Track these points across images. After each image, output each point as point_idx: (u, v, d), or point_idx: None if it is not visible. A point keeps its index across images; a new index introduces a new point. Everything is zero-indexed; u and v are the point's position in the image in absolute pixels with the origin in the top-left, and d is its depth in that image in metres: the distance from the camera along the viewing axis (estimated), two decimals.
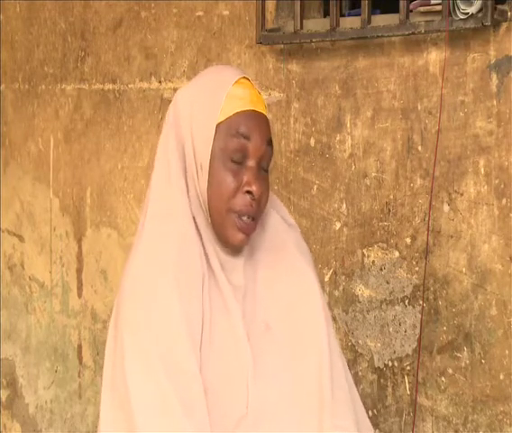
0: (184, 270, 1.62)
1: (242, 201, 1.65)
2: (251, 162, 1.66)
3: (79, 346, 3.26)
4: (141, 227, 1.69)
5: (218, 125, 1.65)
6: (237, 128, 1.65)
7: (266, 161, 1.69)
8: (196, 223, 1.67)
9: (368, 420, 1.82)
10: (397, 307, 2.50)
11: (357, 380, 2.44)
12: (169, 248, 1.63)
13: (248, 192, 1.65)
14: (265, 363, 1.66)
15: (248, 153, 1.66)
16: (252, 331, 1.67)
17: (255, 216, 1.68)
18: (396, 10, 2.43)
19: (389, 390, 2.52)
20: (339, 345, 1.83)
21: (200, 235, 1.67)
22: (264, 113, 1.71)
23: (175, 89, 2.93)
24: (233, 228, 1.66)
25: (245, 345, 1.65)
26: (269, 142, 1.69)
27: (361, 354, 2.57)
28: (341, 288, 2.60)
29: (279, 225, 1.78)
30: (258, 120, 1.68)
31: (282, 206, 1.83)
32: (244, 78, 1.70)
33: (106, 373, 1.64)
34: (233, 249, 1.69)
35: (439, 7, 2.34)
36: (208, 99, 1.68)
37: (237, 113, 1.66)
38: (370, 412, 2.52)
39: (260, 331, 1.68)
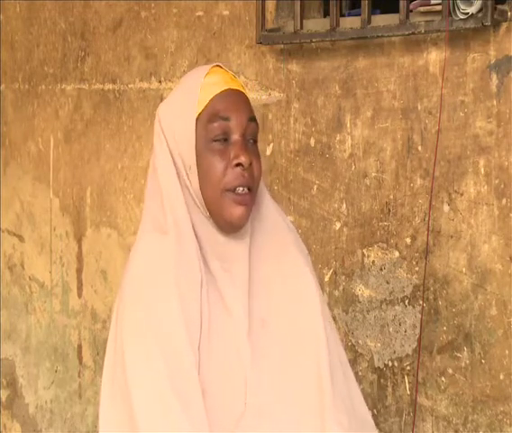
0: (183, 270, 1.62)
1: (233, 176, 1.65)
2: (235, 137, 1.66)
3: (79, 346, 3.26)
4: (141, 232, 1.70)
5: (198, 118, 1.66)
6: (215, 112, 1.66)
7: (251, 135, 1.69)
8: (192, 222, 1.67)
9: (369, 416, 1.82)
10: (397, 307, 2.50)
11: (357, 380, 2.44)
12: (168, 249, 1.63)
13: (237, 165, 1.65)
14: (263, 360, 1.66)
15: (231, 131, 1.66)
16: (252, 328, 1.67)
17: (250, 187, 1.67)
18: (396, 10, 2.43)
19: (389, 390, 2.52)
20: (339, 340, 1.83)
21: (197, 235, 1.67)
22: (241, 90, 1.71)
23: None
24: (231, 205, 1.65)
25: (244, 343, 1.65)
26: (252, 119, 1.69)
27: (361, 354, 2.57)
28: (341, 288, 2.60)
29: (279, 225, 1.78)
30: (235, 97, 1.69)
31: (281, 210, 1.84)
32: (217, 66, 1.72)
33: (107, 373, 1.65)
34: (235, 230, 1.68)
35: (439, 7, 2.34)
36: (185, 99, 1.69)
37: (213, 97, 1.67)
38: (369, 412, 2.52)
39: (257, 328, 1.68)
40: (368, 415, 1.82)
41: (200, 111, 1.66)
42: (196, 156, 1.65)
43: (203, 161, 1.66)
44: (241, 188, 1.65)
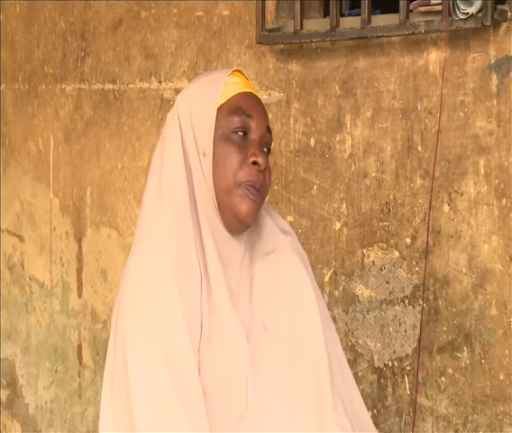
0: (183, 270, 1.62)
1: (248, 171, 1.66)
2: (254, 136, 1.68)
3: (79, 346, 3.26)
4: (138, 235, 1.69)
5: (219, 109, 1.67)
6: (238, 106, 1.68)
7: (266, 144, 1.71)
8: (198, 215, 1.67)
9: (368, 417, 1.82)
10: (397, 307, 2.50)
11: (357, 380, 2.45)
12: (168, 247, 1.63)
13: (254, 163, 1.66)
14: (263, 363, 1.67)
15: (250, 129, 1.68)
16: (251, 332, 1.67)
17: (261, 190, 1.68)
18: (396, 10, 2.43)
19: (389, 390, 2.52)
20: (338, 340, 1.83)
21: (200, 231, 1.66)
22: (261, 99, 1.74)
23: (175, 89, 2.93)
24: (241, 198, 1.66)
25: (244, 345, 1.65)
26: (269, 130, 1.72)
27: (361, 354, 2.57)
28: (341, 288, 2.60)
29: (274, 231, 1.78)
30: (257, 102, 1.72)
31: (277, 214, 1.84)
32: (238, 70, 1.74)
33: (107, 374, 1.64)
34: (241, 227, 1.68)
35: (439, 7, 2.34)
36: (207, 89, 1.70)
37: (236, 94, 1.69)
38: (370, 412, 2.52)
39: (257, 331, 1.68)
40: (367, 416, 1.82)
41: (222, 103, 1.67)
42: (213, 144, 1.66)
43: (220, 150, 1.66)
44: (253, 189, 1.65)
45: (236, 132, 1.67)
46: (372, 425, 1.84)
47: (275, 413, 1.65)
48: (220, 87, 1.68)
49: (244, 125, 1.67)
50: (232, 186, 1.66)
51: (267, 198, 1.77)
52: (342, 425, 1.67)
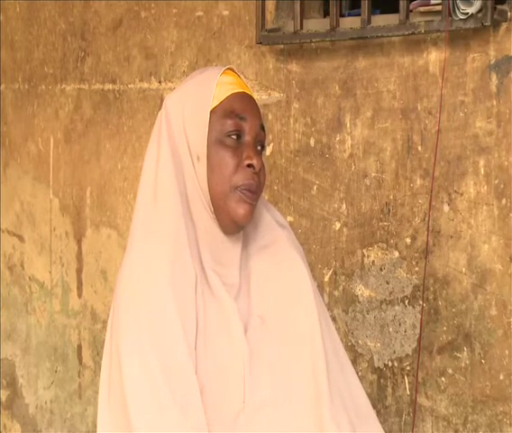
0: (177, 270, 1.62)
1: (244, 175, 1.66)
2: (248, 138, 1.68)
3: (79, 346, 3.26)
4: (132, 236, 1.69)
5: (212, 111, 1.66)
6: (232, 109, 1.67)
7: (260, 142, 1.71)
8: (192, 217, 1.67)
9: (368, 403, 1.82)
10: (397, 307, 2.50)
11: None
12: (162, 249, 1.63)
13: (249, 166, 1.66)
14: (261, 358, 1.67)
15: (244, 132, 1.68)
16: (249, 325, 1.68)
17: (257, 192, 1.69)
18: (396, 10, 2.43)
19: (389, 390, 2.52)
20: (335, 331, 1.83)
21: (195, 232, 1.67)
22: (254, 98, 1.73)
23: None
24: (238, 203, 1.66)
25: (242, 340, 1.65)
26: (262, 127, 1.72)
27: (360, 354, 2.57)
28: (341, 288, 2.60)
29: (271, 224, 1.79)
30: (250, 101, 1.71)
31: (274, 208, 1.84)
32: (230, 68, 1.73)
33: (104, 374, 1.65)
34: (237, 229, 1.69)
35: (439, 7, 2.34)
36: (199, 90, 1.69)
37: (230, 95, 1.68)
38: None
39: (256, 325, 1.69)
40: (367, 402, 1.82)
41: (215, 106, 1.67)
42: (207, 148, 1.66)
43: (214, 154, 1.66)
44: (249, 192, 1.66)
45: (230, 135, 1.67)
46: (373, 411, 1.83)
47: (273, 408, 1.65)
48: (212, 88, 1.67)
49: (238, 128, 1.67)
50: (228, 190, 1.66)
51: (266, 196, 1.77)
52: (338, 420, 1.67)
